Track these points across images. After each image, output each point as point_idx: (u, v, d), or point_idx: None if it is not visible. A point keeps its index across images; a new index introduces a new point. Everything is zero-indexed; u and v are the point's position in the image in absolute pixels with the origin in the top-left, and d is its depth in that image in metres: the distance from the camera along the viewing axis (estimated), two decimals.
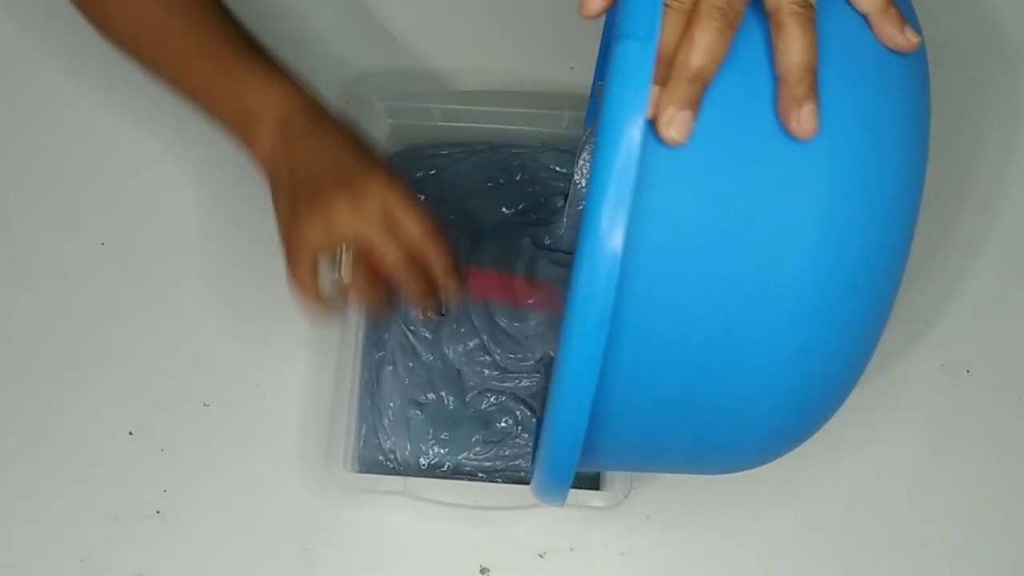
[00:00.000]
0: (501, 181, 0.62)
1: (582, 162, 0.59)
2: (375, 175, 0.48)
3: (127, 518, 0.57)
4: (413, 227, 0.49)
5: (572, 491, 0.55)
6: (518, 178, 0.62)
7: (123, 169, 0.64)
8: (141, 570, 0.57)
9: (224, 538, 0.57)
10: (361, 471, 0.57)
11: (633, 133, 0.31)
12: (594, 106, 0.58)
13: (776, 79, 0.34)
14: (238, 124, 0.50)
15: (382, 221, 0.48)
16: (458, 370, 0.59)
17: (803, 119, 0.33)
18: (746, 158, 0.34)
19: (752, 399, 0.36)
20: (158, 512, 0.58)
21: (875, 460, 0.59)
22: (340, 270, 0.49)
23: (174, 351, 0.60)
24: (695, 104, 0.33)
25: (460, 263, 0.52)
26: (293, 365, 0.60)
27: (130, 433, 0.59)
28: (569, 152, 0.62)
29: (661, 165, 0.33)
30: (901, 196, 0.36)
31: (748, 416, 0.37)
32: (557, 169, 0.62)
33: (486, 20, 0.67)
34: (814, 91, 0.33)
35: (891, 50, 0.36)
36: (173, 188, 0.64)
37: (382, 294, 0.52)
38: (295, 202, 0.49)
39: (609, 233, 0.31)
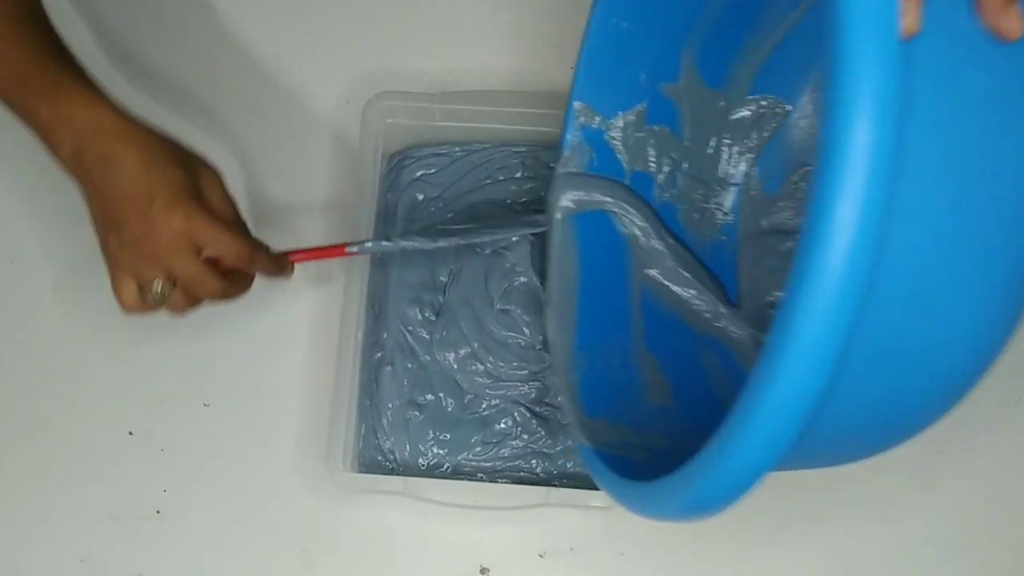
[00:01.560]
0: (501, 178, 0.62)
1: (566, 200, 0.55)
2: (174, 207, 0.46)
3: (127, 518, 0.58)
4: (225, 255, 0.48)
5: (572, 491, 0.55)
6: (518, 175, 0.62)
7: None
8: (141, 570, 0.57)
9: (224, 538, 0.57)
10: (361, 471, 0.57)
11: (891, 19, 0.29)
12: (571, 127, 0.55)
13: None
14: (43, 138, 0.48)
15: (188, 254, 0.47)
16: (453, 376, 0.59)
17: (1012, 16, 0.33)
18: (961, 66, 0.33)
19: (955, 349, 0.34)
20: (158, 512, 0.58)
21: (875, 460, 0.58)
22: (158, 290, 0.48)
23: (174, 351, 0.60)
24: None
25: (280, 259, 0.51)
26: (293, 365, 0.60)
27: (130, 433, 0.59)
28: None
29: None
30: None
31: (946, 370, 0.35)
32: None
33: (486, 20, 0.67)
34: None
35: None
36: None
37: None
38: (105, 227, 0.47)
39: (880, 152, 0.28)
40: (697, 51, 0.54)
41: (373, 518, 0.57)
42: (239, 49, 0.66)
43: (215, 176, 0.50)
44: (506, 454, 0.57)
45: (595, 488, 0.56)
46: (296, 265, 0.53)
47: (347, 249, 0.54)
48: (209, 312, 0.61)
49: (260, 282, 0.61)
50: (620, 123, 0.56)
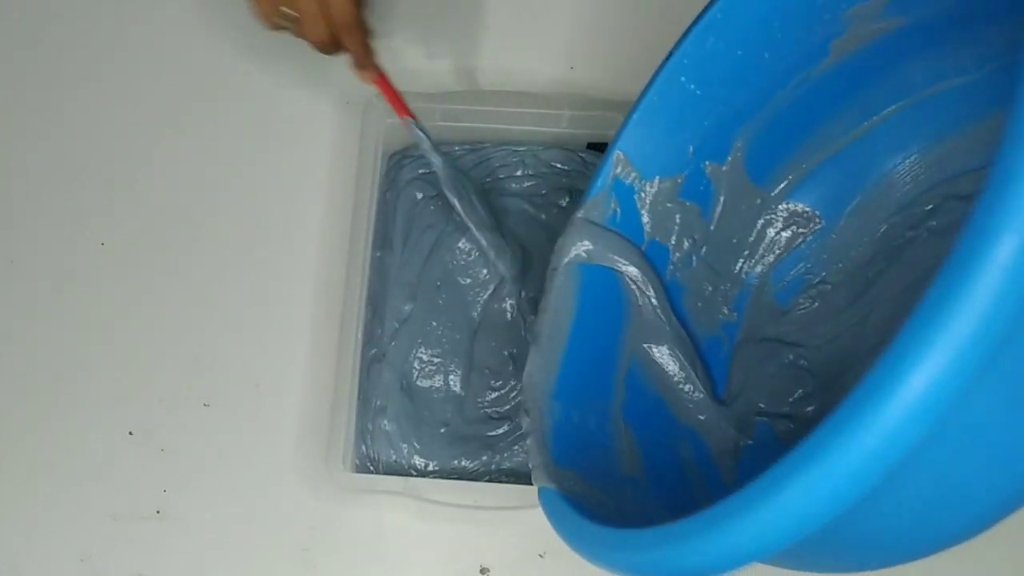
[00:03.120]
0: (501, 176, 0.62)
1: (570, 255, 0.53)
2: None
3: (127, 518, 0.58)
4: (336, 12, 0.51)
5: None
6: (519, 173, 0.62)
7: (123, 169, 0.64)
8: (141, 570, 0.57)
9: (224, 538, 0.57)
10: (361, 471, 0.57)
11: None
12: (604, 175, 0.52)
13: None
14: None
15: (317, 8, 0.50)
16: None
17: None
18: None
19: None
20: (158, 512, 0.58)
21: None
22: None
23: (174, 351, 0.60)
24: None
25: (372, 57, 0.54)
26: (293, 365, 0.60)
27: (130, 433, 0.59)
28: (571, 151, 0.62)
29: None
30: None
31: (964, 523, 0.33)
32: (559, 166, 0.62)
33: (486, 20, 0.67)
34: None
35: None
36: (173, 188, 0.64)
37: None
38: None
39: None
40: (751, 139, 0.53)
41: (373, 518, 0.57)
42: (241, 49, 0.66)
43: None
44: (499, 458, 0.57)
45: None
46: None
47: (407, 118, 0.56)
48: (208, 312, 0.61)
49: (260, 281, 0.61)
50: (654, 187, 0.53)
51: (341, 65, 0.65)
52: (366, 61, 0.54)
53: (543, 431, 0.49)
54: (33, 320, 0.61)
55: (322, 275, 0.61)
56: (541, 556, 0.57)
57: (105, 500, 0.58)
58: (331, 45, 0.53)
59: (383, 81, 0.55)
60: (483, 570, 0.57)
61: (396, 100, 0.56)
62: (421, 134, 0.56)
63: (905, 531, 0.34)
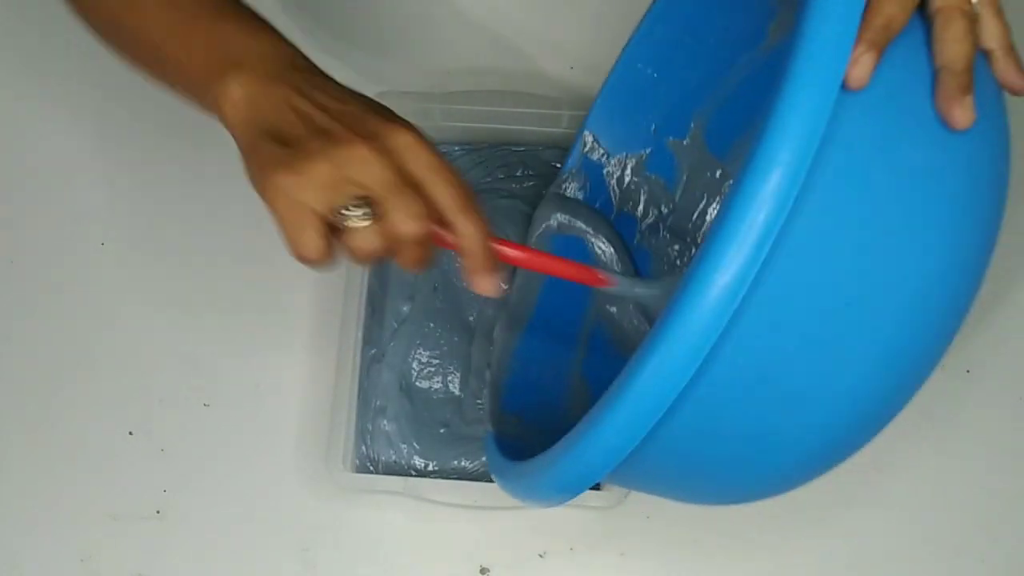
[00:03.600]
0: (501, 176, 0.62)
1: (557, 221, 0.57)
2: (399, 124, 0.38)
3: (127, 518, 0.58)
4: (441, 190, 0.38)
5: None
6: (518, 173, 0.62)
7: (123, 169, 0.64)
8: (141, 570, 0.57)
9: (224, 538, 0.57)
10: (361, 471, 0.57)
11: (837, 69, 0.31)
12: (575, 154, 0.58)
13: (933, 71, 0.35)
14: (210, 73, 0.39)
15: (402, 178, 0.37)
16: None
17: (966, 106, 0.34)
18: (902, 139, 0.34)
19: (838, 392, 0.35)
20: (158, 512, 0.58)
21: (874, 459, 0.58)
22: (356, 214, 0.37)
23: (174, 351, 0.60)
24: (881, 51, 0.33)
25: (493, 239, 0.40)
26: (293, 365, 0.60)
27: (130, 433, 0.59)
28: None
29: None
30: (1003, 192, 0.37)
31: (825, 416, 0.36)
32: (558, 166, 0.62)
33: (486, 20, 0.67)
34: (973, 83, 0.34)
35: (1007, 86, 0.37)
36: (173, 188, 0.64)
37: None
38: (283, 152, 0.37)
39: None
40: (708, 116, 0.55)
41: (373, 518, 0.57)
42: None
43: None
44: None
45: (595, 488, 0.56)
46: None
47: (605, 276, 0.47)
48: (208, 312, 0.61)
49: (260, 281, 0.61)
50: (621, 163, 0.58)
51: (339, 64, 0.66)
52: (492, 248, 0.40)
53: (497, 384, 0.55)
54: (33, 320, 0.61)
55: (322, 275, 0.61)
56: (541, 556, 0.57)
57: (105, 500, 0.58)
58: (425, 246, 0.38)
59: (536, 255, 0.43)
60: (483, 570, 0.57)
61: (571, 268, 0.45)
62: (622, 281, 0.48)
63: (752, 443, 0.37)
